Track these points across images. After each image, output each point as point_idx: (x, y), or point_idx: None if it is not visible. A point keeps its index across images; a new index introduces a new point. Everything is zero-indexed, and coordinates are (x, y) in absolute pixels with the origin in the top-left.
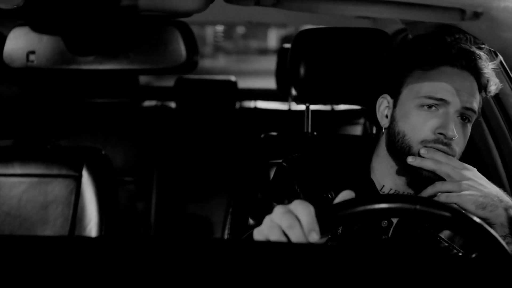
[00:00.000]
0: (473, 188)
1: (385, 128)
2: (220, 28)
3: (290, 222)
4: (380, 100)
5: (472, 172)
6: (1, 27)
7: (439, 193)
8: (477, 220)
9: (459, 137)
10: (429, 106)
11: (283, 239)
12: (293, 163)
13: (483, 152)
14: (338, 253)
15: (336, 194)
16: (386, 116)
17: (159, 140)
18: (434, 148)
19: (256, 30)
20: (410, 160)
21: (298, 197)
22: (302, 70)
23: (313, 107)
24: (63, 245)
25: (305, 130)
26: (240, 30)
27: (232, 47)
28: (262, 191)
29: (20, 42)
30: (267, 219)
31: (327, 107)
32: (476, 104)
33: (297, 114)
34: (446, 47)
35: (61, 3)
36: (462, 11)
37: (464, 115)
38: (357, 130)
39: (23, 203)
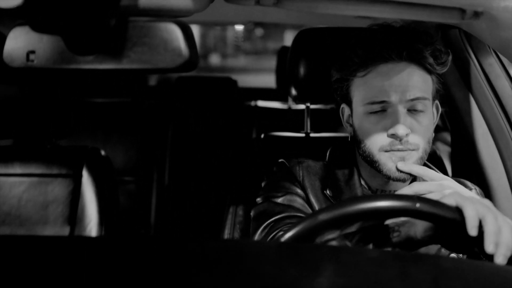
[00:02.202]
0: (454, 188)
1: (351, 137)
2: (240, 29)
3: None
4: (341, 109)
5: (449, 180)
6: (1, 26)
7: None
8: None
9: (416, 129)
10: (376, 111)
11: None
12: (291, 161)
13: (484, 155)
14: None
15: (332, 192)
16: (350, 125)
17: (159, 140)
18: (393, 150)
19: (273, 32)
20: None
21: (302, 187)
22: (302, 70)
23: (312, 106)
24: (63, 245)
25: (305, 130)
26: (259, 32)
27: (251, 47)
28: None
29: (20, 42)
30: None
31: (326, 107)
32: (423, 92)
33: (297, 113)
34: (373, 47)
35: (61, 3)
36: (462, 11)
37: (414, 107)
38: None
39: (23, 203)
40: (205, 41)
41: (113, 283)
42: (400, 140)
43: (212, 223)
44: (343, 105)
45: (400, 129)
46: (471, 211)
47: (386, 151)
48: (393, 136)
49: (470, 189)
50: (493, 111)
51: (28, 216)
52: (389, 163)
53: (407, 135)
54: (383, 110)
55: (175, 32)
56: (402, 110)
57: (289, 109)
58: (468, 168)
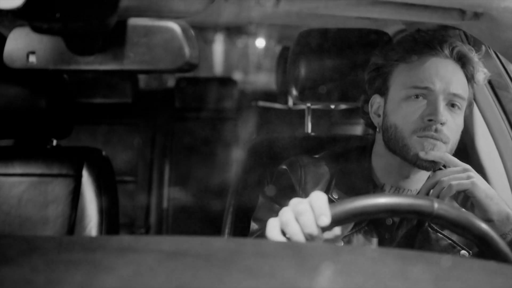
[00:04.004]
0: (478, 177)
1: (379, 126)
2: (261, 47)
3: (302, 207)
4: (372, 100)
5: (469, 167)
6: (1, 27)
7: (443, 180)
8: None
9: (450, 123)
10: (416, 96)
11: (294, 228)
12: (293, 165)
13: (484, 155)
14: (343, 251)
15: (339, 194)
16: (379, 115)
17: (159, 140)
18: (426, 136)
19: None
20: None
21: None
22: (302, 70)
23: (313, 107)
24: (63, 245)
25: (306, 131)
26: (277, 49)
27: (271, 64)
28: (264, 195)
29: (20, 43)
30: (282, 210)
31: (327, 107)
32: (463, 91)
33: (297, 113)
34: (428, 39)
35: (61, 3)
36: (462, 12)
37: (452, 102)
38: (358, 130)
39: (23, 203)
40: (228, 58)
41: (112, 283)
42: (436, 129)
43: (212, 223)
44: (375, 96)
45: (440, 115)
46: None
47: (419, 136)
48: (430, 121)
49: None
50: (493, 111)
51: (28, 216)
52: (418, 147)
53: (442, 124)
54: (423, 98)
55: (176, 33)
56: (443, 101)
57: (290, 109)
58: None
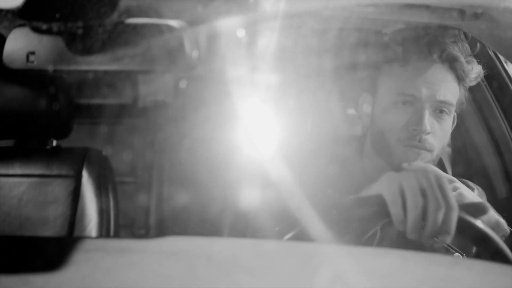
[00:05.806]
0: (463, 187)
1: (367, 127)
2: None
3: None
4: (361, 98)
5: (454, 179)
6: (0, 27)
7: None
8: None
9: (436, 131)
10: (403, 103)
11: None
12: (292, 162)
13: (484, 155)
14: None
15: (335, 191)
16: (368, 115)
17: (159, 141)
18: (410, 146)
19: None
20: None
21: None
22: (301, 70)
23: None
24: (63, 245)
25: (306, 130)
26: None
27: None
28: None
29: (20, 43)
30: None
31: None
32: (452, 96)
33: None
34: (416, 42)
35: (61, 3)
36: (462, 12)
37: (440, 108)
38: (357, 130)
39: (23, 204)
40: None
41: (112, 283)
42: (420, 138)
43: (212, 224)
44: (365, 94)
45: (424, 125)
46: None
47: (403, 145)
48: (414, 131)
49: (473, 189)
50: (493, 112)
51: (28, 216)
52: (403, 157)
53: (427, 133)
54: (409, 105)
55: (175, 32)
56: (428, 108)
57: (291, 107)
58: (468, 168)
